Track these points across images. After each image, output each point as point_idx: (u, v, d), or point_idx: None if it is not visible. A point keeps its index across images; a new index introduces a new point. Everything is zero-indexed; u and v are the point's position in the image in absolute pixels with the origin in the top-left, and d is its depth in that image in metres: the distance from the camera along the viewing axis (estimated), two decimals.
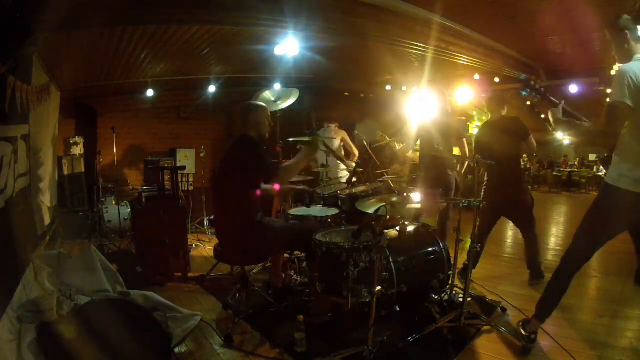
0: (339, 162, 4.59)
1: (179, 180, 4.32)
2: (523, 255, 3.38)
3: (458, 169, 3.65)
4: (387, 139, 4.03)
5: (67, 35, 3.01)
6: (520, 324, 2.29)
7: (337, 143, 5.01)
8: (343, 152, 5.04)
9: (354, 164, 4.24)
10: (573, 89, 6.00)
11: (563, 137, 16.97)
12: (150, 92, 5.32)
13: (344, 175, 4.51)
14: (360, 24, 3.45)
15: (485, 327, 2.45)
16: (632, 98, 1.72)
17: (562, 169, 14.18)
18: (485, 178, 3.33)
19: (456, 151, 3.72)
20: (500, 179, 3.18)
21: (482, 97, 6.44)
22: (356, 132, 5.40)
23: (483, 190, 3.30)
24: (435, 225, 3.47)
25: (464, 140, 3.60)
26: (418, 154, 3.74)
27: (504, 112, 3.33)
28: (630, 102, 1.72)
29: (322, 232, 2.49)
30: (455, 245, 2.53)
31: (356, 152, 5.03)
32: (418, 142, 3.68)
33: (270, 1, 2.92)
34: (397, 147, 3.94)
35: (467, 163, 3.69)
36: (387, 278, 2.33)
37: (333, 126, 5.10)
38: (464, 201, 2.45)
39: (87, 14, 2.57)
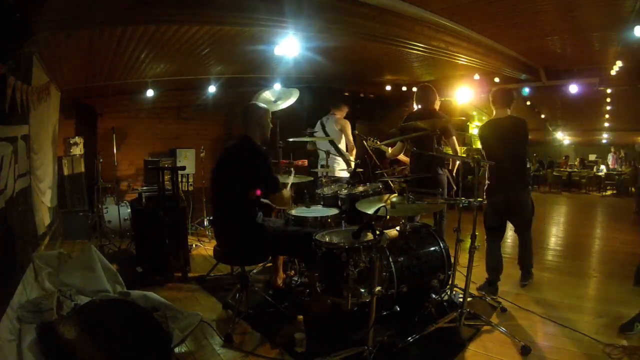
0: (337, 161, 4.50)
1: (179, 180, 4.32)
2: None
3: (450, 167, 3.62)
4: (378, 143, 3.99)
5: (67, 35, 3.02)
6: None
7: (336, 132, 4.58)
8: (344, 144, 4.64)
9: (353, 160, 4.14)
10: (573, 89, 6.01)
11: (563, 137, 17.04)
12: (150, 92, 5.31)
13: (344, 175, 4.46)
14: (360, 24, 3.45)
15: (485, 327, 2.45)
16: None
17: (562, 169, 14.19)
18: (487, 180, 3.16)
19: (447, 150, 3.67)
20: (505, 180, 3.03)
21: (487, 91, 6.47)
22: (356, 132, 5.38)
23: (485, 193, 3.14)
24: (434, 226, 3.46)
25: (454, 138, 3.51)
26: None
27: (509, 112, 3.11)
28: None
29: (322, 232, 2.49)
30: (455, 245, 2.54)
31: (353, 146, 4.68)
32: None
33: (270, 1, 2.92)
34: (388, 150, 3.91)
35: (458, 162, 3.64)
36: (387, 278, 2.33)
37: (338, 115, 4.70)
38: (464, 201, 2.45)
39: (87, 14, 2.58)
